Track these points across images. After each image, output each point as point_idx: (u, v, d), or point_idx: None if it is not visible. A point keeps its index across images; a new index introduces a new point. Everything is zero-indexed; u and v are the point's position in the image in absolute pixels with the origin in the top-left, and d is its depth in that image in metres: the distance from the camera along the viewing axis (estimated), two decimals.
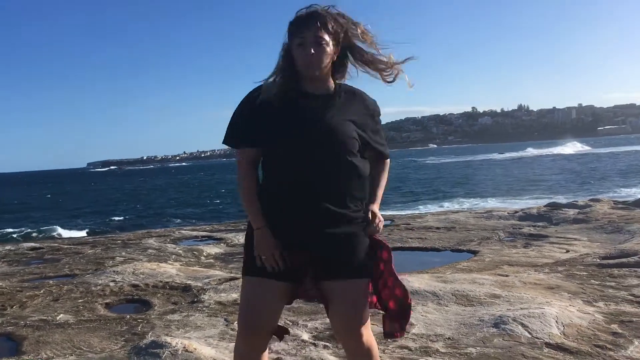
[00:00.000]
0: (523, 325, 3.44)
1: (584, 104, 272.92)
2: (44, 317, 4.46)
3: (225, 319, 4.17)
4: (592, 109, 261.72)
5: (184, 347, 3.26)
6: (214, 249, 8.58)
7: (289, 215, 2.06)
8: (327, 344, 3.49)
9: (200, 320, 4.19)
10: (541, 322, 3.46)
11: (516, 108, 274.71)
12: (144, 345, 3.32)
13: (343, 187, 2.06)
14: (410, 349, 3.28)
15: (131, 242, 9.41)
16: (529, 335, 3.33)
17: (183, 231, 10.96)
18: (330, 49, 2.06)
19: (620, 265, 5.11)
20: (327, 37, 2.04)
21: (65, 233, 21.97)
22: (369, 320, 2.12)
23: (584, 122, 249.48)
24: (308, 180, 2.03)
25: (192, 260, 7.78)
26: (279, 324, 2.13)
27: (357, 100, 2.16)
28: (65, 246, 9.03)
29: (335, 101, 2.10)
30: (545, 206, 10.74)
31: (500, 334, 3.38)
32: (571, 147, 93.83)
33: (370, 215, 2.12)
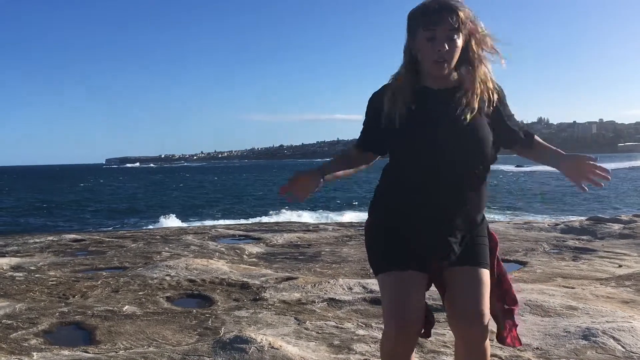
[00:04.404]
0: (614, 338, 3.35)
1: (604, 120, 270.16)
2: (110, 308, 4.45)
3: (295, 318, 4.12)
4: (613, 125, 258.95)
5: (270, 344, 3.21)
6: (254, 248, 8.54)
7: (415, 222, 2.02)
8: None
9: (270, 318, 4.14)
10: (632, 337, 3.37)
11: (536, 121, 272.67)
12: (228, 340, 3.27)
13: (471, 193, 2.02)
14: (500, 358, 3.21)
15: (170, 237, 9.41)
16: (623, 349, 3.24)
17: (219, 229, 10.96)
18: (460, 43, 1.97)
19: None
20: (459, 32, 1.94)
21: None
22: (489, 313, 2.00)
23: (605, 137, 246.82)
24: (436, 186, 1.98)
25: (235, 258, 7.74)
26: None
27: (481, 89, 2.01)
28: (107, 239, 9.05)
29: (462, 96, 1.99)
30: (587, 219, 10.58)
31: (592, 346, 3.29)
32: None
33: (577, 160, 1.99)
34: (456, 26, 1.93)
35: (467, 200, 2.01)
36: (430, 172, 1.97)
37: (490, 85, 2.04)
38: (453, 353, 3.30)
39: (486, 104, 2.01)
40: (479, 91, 2.00)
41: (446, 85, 2.02)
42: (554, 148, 2.11)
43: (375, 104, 2.10)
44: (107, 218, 27.80)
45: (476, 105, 1.99)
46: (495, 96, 2.04)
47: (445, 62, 1.95)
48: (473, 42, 2.01)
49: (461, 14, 1.94)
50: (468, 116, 1.97)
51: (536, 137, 2.13)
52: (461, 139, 1.96)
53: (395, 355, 2.00)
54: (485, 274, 2.03)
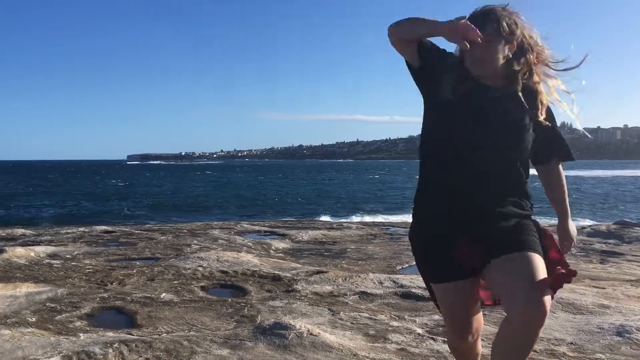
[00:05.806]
0: None
1: (630, 125, 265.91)
2: (148, 295, 4.58)
3: (329, 309, 4.20)
4: (639, 131, 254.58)
5: (308, 331, 3.30)
6: (280, 244, 8.64)
7: (453, 205, 2.06)
8: (446, 339, 3.49)
9: (304, 308, 4.23)
10: None
11: (559, 126, 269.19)
12: (267, 326, 3.37)
13: (508, 184, 2.07)
14: (535, 351, 3.25)
15: (197, 231, 9.57)
16: None
17: (244, 225, 11.09)
18: (500, 47, 2.05)
19: None
20: (497, 36, 2.03)
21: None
22: (549, 297, 1.88)
23: (629, 143, 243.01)
24: (477, 171, 2.03)
25: (262, 252, 7.85)
26: None
27: (531, 95, 2.11)
28: (137, 231, 9.24)
29: (511, 96, 2.07)
30: (614, 224, 10.51)
31: (627, 342, 3.33)
32: None
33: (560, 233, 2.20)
34: (496, 33, 2.03)
35: (499, 187, 2.06)
36: (467, 160, 2.04)
37: (542, 97, 2.13)
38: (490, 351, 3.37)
39: (534, 110, 2.11)
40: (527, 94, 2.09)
41: (496, 84, 2.10)
42: (566, 204, 2.26)
43: (447, 55, 2.15)
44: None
45: (523, 106, 2.08)
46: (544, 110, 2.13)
47: (483, 61, 2.05)
48: (527, 53, 2.09)
49: (504, 22, 2.04)
50: (512, 114, 2.07)
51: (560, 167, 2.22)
52: (501, 133, 2.04)
53: (463, 347, 2.21)
54: (537, 257, 1.97)
